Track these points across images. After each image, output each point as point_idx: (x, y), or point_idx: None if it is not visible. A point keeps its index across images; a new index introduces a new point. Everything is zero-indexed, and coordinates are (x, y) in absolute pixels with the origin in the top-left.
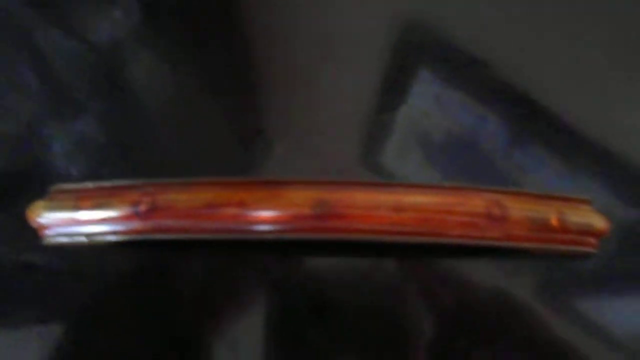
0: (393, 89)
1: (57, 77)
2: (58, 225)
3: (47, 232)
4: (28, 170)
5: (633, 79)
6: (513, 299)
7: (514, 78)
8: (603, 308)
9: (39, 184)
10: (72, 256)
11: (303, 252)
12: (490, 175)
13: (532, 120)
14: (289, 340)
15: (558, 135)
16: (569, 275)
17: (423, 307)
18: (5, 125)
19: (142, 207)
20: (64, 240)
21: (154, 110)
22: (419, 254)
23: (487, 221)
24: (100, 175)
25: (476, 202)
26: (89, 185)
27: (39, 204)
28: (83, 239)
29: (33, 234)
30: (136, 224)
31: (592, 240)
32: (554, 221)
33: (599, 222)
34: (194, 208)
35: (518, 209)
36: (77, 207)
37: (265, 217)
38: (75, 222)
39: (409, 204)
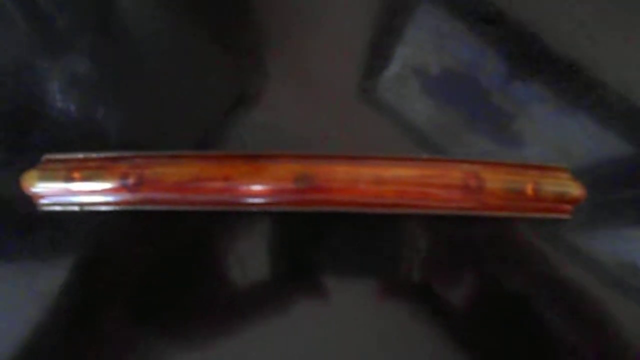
0: (391, 21)
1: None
2: (51, 195)
3: (42, 200)
4: (27, 107)
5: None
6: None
7: (514, 11)
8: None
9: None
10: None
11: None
12: (487, 109)
13: (531, 55)
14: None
15: (557, 70)
16: None
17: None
18: None
19: (131, 180)
20: (58, 208)
21: (147, 50)
22: None
23: (464, 193)
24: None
25: (454, 174)
26: (79, 155)
27: (32, 173)
28: (76, 208)
29: None
30: (126, 196)
31: (567, 207)
32: (529, 190)
33: (574, 190)
34: (181, 182)
35: (494, 180)
36: (69, 178)
37: (250, 191)
38: (68, 192)
39: (388, 177)
